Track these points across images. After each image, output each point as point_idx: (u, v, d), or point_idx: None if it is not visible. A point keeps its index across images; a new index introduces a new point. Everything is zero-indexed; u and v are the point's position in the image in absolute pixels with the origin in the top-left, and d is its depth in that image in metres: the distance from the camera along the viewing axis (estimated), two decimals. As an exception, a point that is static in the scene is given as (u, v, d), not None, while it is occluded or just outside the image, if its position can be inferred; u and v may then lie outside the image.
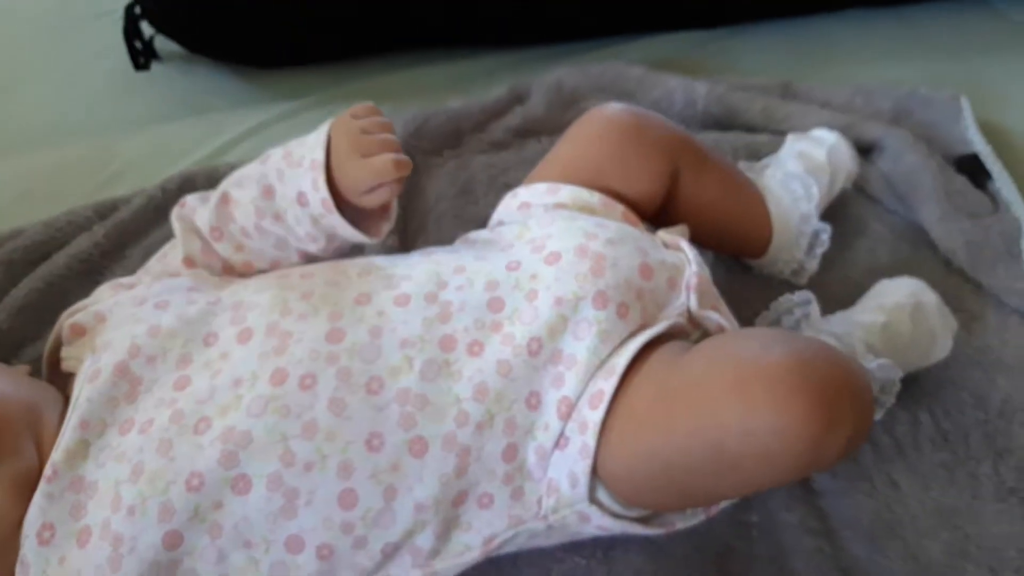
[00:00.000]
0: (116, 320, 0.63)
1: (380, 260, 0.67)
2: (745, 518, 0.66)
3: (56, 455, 0.57)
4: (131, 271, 0.79)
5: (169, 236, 0.81)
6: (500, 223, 0.72)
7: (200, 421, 0.56)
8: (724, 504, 0.63)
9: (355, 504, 0.55)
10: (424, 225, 0.91)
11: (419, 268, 0.64)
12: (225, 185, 0.69)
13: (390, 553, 0.57)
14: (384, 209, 0.68)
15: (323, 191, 0.64)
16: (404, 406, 0.57)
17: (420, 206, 0.93)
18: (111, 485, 0.55)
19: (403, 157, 0.63)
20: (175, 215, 0.71)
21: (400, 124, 0.97)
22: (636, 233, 0.67)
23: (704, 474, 0.54)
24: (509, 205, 0.73)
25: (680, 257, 0.66)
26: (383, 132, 0.65)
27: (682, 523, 0.61)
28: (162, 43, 1.14)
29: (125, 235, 0.87)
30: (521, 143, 1.00)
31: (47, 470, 0.56)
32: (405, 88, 1.09)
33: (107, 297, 0.67)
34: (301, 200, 0.65)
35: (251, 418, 0.56)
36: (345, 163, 0.64)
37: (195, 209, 0.71)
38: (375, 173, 0.63)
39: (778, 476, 0.54)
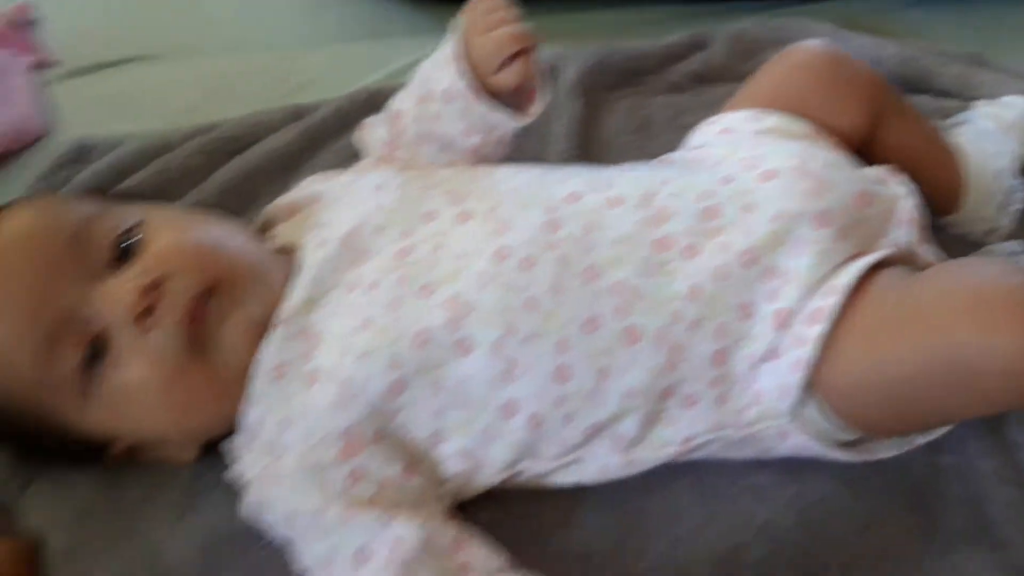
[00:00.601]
0: (335, 200, 0.67)
1: (580, 168, 0.69)
2: (938, 460, 0.64)
3: (288, 305, 0.60)
4: (317, 170, 0.83)
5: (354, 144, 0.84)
6: (700, 147, 0.72)
7: (425, 286, 0.59)
8: (920, 440, 0.62)
9: (569, 379, 0.57)
10: (602, 159, 0.91)
11: (625, 176, 0.65)
12: (393, 103, 0.74)
13: (593, 433, 0.58)
14: (520, 88, 0.68)
15: (464, 79, 0.66)
16: (619, 297, 0.58)
17: (598, 140, 0.94)
18: (340, 334, 0.58)
19: (522, 29, 0.65)
20: (356, 139, 0.76)
21: (579, 60, 0.98)
22: (851, 162, 0.66)
23: (931, 392, 0.54)
24: (708, 131, 0.73)
25: (895, 191, 0.65)
26: (504, 12, 0.67)
27: (883, 453, 0.60)
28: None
29: (315, 138, 0.90)
30: (700, 88, 0.99)
31: (281, 316, 0.60)
32: (584, 29, 1.10)
33: (316, 184, 0.72)
34: (449, 96, 0.68)
35: (476, 289, 0.58)
36: (476, 44, 0.66)
37: (374, 127, 0.75)
38: (497, 44, 0.65)
39: (1008, 399, 0.53)
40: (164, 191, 0.82)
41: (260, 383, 0.59)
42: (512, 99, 0.69)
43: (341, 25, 1.16)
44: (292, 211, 0.70)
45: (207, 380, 0.59)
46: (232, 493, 0.61)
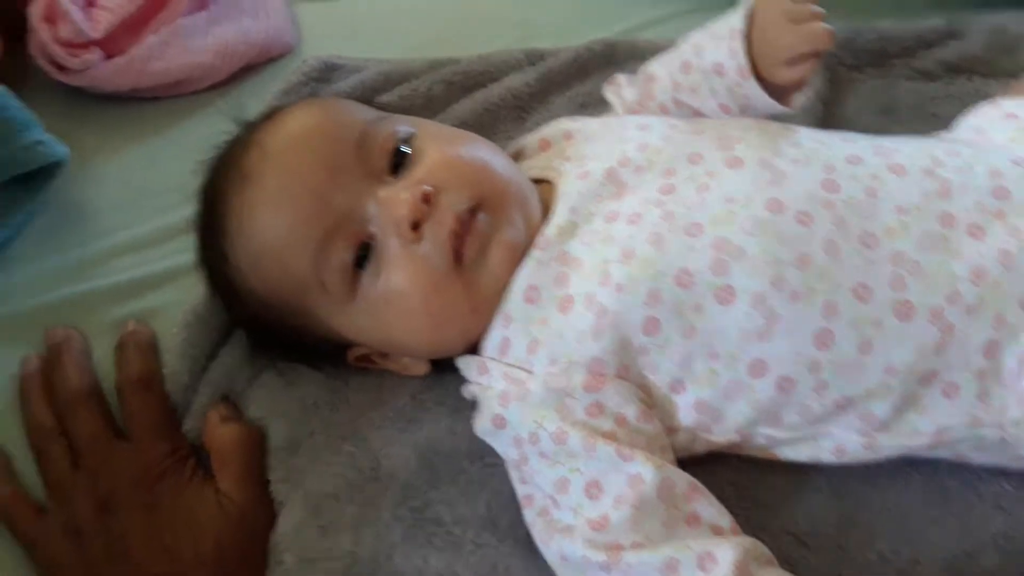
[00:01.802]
0: (593, 137, 0.67)
1: (856, 134, 0.66)
2: None
3: (548, 229, 0.60)
4: (551, 114, 0.83)
5: (589, 92, 0.83)
6: (979, 131, 0.68)
7: (692, 225, 0.58)
8: None
9: (829, 345, 0.55)
10: (844, 137, 0.88)
11: (907, 145, 0.62)
12: (648, 66, 0.73)
13: (841, 408, 0.56)
14: (798, 84, 0.66)
15: (741, 58, 0.64)
16: (897, 267, 0.55)
17: (839, 118, 0.89)
18: (598, 262, 0.58)
19: (829, 30, 0.62)
20: (607, 90, 0.76)
21: (826, 35, 0.94)
22: None
23: None
24: (988, 113, 0.68)
25: None
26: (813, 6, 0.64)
27: None
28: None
29: (552, 83, 0.89)
30: (951, 78, 0.93)
31: (538, 240, 0.60)
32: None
33: (566, 123, 0.71)
34: (718, 70, 0.66)
35: (745, 235, 0.56)
36: (772, 29, 0.63)
37: (622, 86, 0.75)
38: (808, 38, 0.62)
39: None
40: (407, 115, 0.84)
41: (513, 304, 0.59)
42: (777, 89, 0.66)
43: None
44: (543, 146, 0.70)
45: (465, 296, 0.59)
46: (456, 411, 0.62)
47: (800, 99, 0.67)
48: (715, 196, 0.59)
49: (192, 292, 0.71)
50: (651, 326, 0.56)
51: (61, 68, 0.90)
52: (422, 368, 0.65)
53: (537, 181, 0.66)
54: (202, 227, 0.66)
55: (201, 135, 0.69)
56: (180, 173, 0.69)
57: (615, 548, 0.51)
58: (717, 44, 0.66)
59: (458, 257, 0.59)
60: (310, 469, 0.62)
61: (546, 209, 0.63)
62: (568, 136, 0.69)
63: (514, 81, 0.88)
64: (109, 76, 0.90)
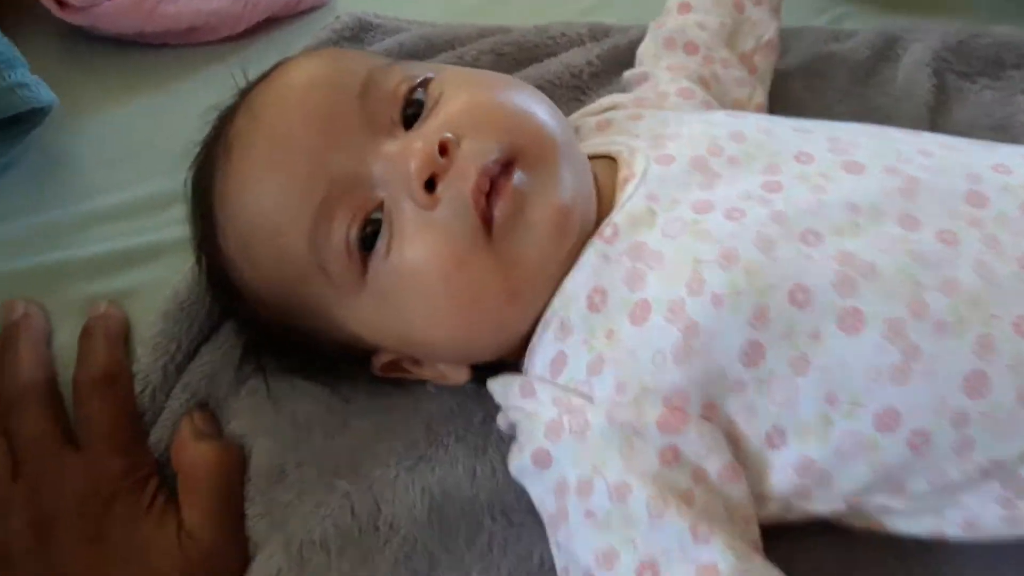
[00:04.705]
0: (669, 120, 0.56)
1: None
2: None
3: (618, 216, 0.49)
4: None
5: None
6: None
7: (807, 231, 0.46)
8: None
9: (982, 392, 0.43)
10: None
11: None
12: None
13: (986, 474, 0.44)
14: None
15: None
16: None
17: (947, 131, 0.77)
18: (686, 260, 0.46)
19: None
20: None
21: (934, 37, 0.83)
22: None
23: None
24: None
25: None
26: None
27: None
28: None
29: (616, 63, 0.77)
30: (1078, 97, 0.81)
31: (604, 229, 0.48)
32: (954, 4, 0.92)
33: (627, 103, 0.61)
34: None
35: (877, 251, 0.45)
36: None
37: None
38: None
39: None
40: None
41: (574, 310, 0.47)
42: None
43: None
44: (601, 126, 0.58)
45: (498, 274, 0.47)
46: (479, 451, 0.51)
47: None
48: (834, 201, 0.47)
49: (179, 272, 0.60)
50: (754, 354, 0.44)
51: (63, 5, 0.79)
52: (462, 376, 0.53)
53: (594, 159, 0.54)
54: (191, 211, 0.55)
55: (210, 92, 0.59)
56: (181, 133, 0.58)
57: None
58: None
59: (486, 222, 0.46)
60: (296, 506, 0.51)
61: (604, 197, 0.51)
62: (636, 117, 0.57)
63: (574, 57, 0.76)
64: (114, 16, 0.79)
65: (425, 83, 0.51)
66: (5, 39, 0.69)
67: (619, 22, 0.83)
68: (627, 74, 0.66)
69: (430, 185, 0.46)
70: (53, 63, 0.74)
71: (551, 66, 0.75)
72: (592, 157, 0.54)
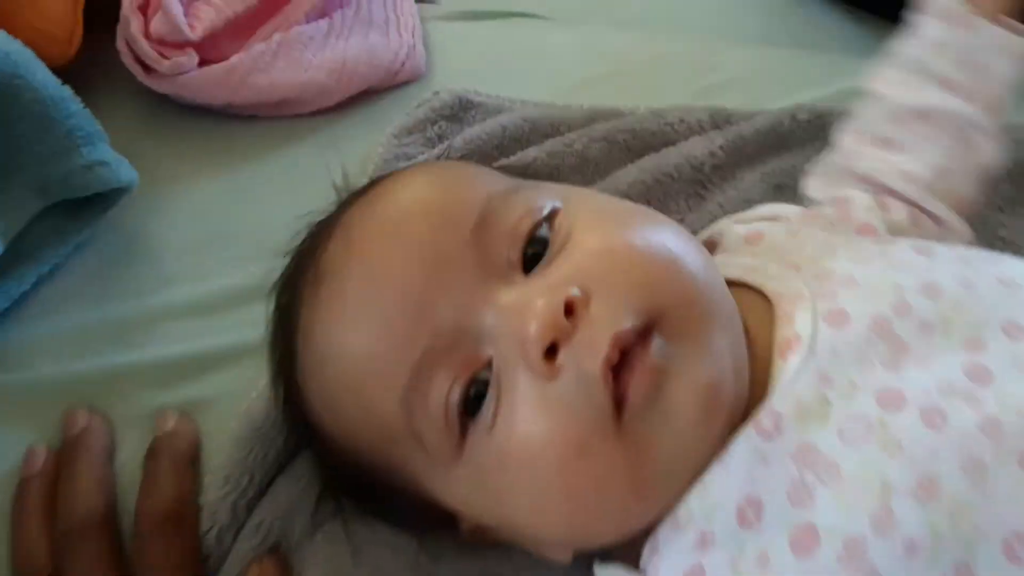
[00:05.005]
0: (843, 249, 0.47)
1: None
2: None
3: (781, 403, 0.39)
4: (740, 193, 0.66)
5: (789, 171, 0.63)
6: None
7: None
8: None
9: None
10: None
11: None
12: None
13: None
14: None
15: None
16: None
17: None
18: (872, 482, 0.37)
19: None
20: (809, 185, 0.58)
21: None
22: None
23: None
24: None
25: None
26: None
27: None
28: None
29: (742, 154, 0.70)
30: None
31: (763, 418, 0.39)
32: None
33: (787, 211, 0.54)
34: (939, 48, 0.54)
35: None
36: None
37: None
38: None
39: None
40: (553, 178, 0.65)
41: (720, 521, 0.39)
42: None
43: (765, 24, 0.95)
44: (754, 238, 0.50)
45: (625, 466, 0.39)
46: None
47: None
48: None
49: (259, 382, 0.54)
50: None
51: (148, 70, 0.75)
52: (565, 557, 0.45)
53: (733, 285, 0.46)
54: (272, 338, 0.49)
55: (301, 170, 0.54)
56: (269, 216, 0.54)
57: None
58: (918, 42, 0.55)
59: (617, 402, 0.39)
60: None
61: (755, 356, 0.43)
62: (794, 234, 0.49)
63: (694, 148, 0.69)
64: (202, 85, 0.74)
65: (552, 216, 0.44)
66: (86, 111, 0.65)
67: (741, 106, 0.76)
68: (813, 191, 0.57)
69: (551, 351, 0.39)
70: (133, 133, 0.70)
71: (669, 157, 0.68)
72: (734, 284, 0.46)
